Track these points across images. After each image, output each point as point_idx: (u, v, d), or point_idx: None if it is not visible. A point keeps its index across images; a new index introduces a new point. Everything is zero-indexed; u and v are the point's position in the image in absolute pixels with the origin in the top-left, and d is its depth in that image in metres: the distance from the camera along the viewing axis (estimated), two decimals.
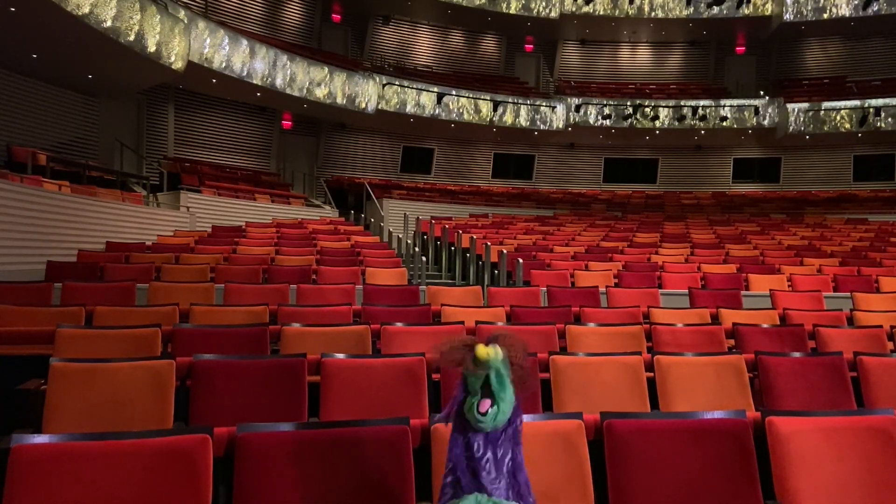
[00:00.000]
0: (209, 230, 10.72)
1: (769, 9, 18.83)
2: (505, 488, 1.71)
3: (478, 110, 18.02)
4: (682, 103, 18.56)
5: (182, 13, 12.53)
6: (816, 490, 2.16)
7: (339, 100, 16.18)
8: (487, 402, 1.69)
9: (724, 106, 18.44)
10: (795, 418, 2.31)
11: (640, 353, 3.39)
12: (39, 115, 11.96)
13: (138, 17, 10.68)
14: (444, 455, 2.15)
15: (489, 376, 1.70)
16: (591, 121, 18.64)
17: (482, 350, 1.71)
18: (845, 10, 18.20)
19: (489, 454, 1.72)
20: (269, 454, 2.08)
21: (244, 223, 11.57)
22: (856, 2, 18.00)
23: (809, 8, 18.37)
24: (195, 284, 5.75)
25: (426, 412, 2.98)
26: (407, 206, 15.30)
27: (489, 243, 8.73)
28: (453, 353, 1.75)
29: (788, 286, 7.19)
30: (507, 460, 1.73)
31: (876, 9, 17.79)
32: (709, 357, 3.40)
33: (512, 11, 18.81)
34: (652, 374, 3.27)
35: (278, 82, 14.87)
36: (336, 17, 18.62)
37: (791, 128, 18.09)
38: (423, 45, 19.97)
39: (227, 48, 13.71)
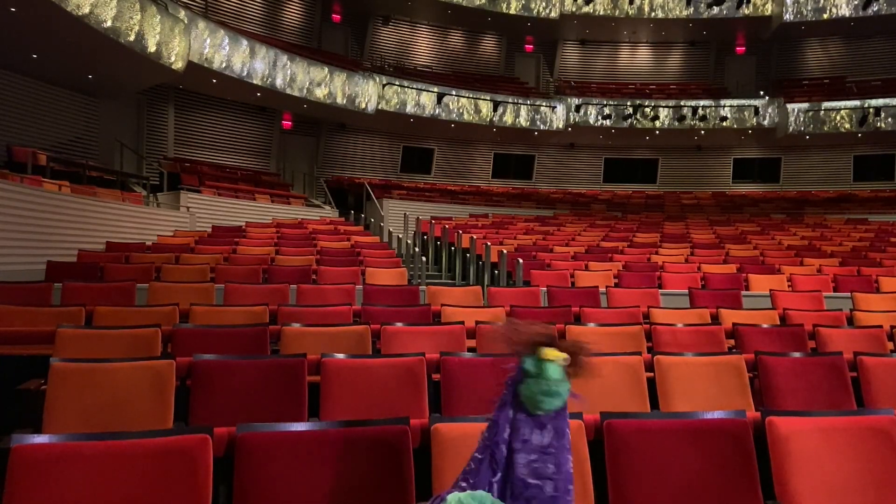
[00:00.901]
0: (209, 230, 10.72)
1: (769, 9, 18.84)
2: (536, 473, 1.73)
3: (478, 110, 18.02)
4: (682, 103, 18.56)
5: (182, 13, 12.53)
6: (816, 490, 2.16)
7: (339, 100, 16.18)
8: (546, 385, 1.73)
9: (724, 106, 18.45)
10: (795, 418, 2.31)
11: (640, 353, 3.40)
12: (39, 115, 11.96)
13: (138, 17, 10.68)
14: (444, 455, 2.16)
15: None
16: (591, 121, 18.64)
17: (551, 353, 1.74)
18: (845, 10, 18.20)
19: (531, 437, 1.76)
20: (269, 454, 2.08)
21: (244, 223, 11.57)
22: (856, 2, 18.00)
23: (809, 8, 18.37)
24: (195, 284, 5.75)
25: (426, 412, 2.98)
26: (407, 206, 15.30)
27: (489, 243, 8.73)
28: (519, 338, 1.78)
29: (788, 286, 7.19)
30: (549, 448, 1.76)
31: (876, 9, 17.79)
32: (709, 357, 3.40)
33: (512, 11, 18.81)
34: (652, 374, 3.27)
35: (278, 82, 14.88)
36: (336, 17, 18.62)
37: (791, 128, 18.09)
38: (423, 45, 19.97)
39: (227, 48, 13.72)
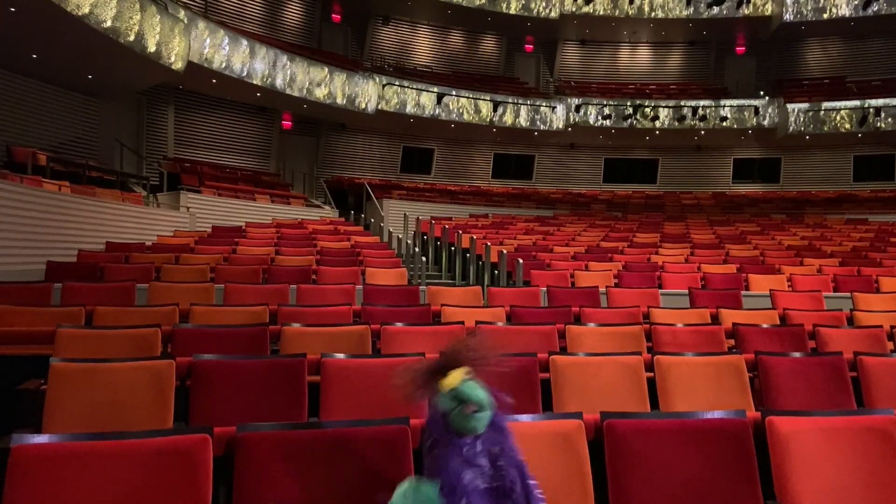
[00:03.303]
0: (209, 230, 10.72)
1: (769, 9, 18.84)
2: (491, 477, 1.72)
3: (478, 110, 18.02)
4: (682, 103, 18.56)
5: (182, 13, 12.53)
6: (816, 490, 2.16)
7: (339, 100, 16.18)
8: (471, 405, 1.72)
9: (724, 106, 18.45)
10: (795, 418, 2.31)
11: (640, 353, 3.39)
12: (39, 115, 11.96)
13: (138, 17, 10.68)
14: None
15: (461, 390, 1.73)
16: (591, 121, 18.64)
17: (451, 380, 1.73)
18: (845, 10, 18.21)
19: (479, 447, 1.75)
20: (269, 454, 2.08)
21: (244, 223, 11.57)
22: (856, 2, 18.01)
23: (809, 8, 18.38)
24: (195, 284, 5.75)
25: (426, 412, 2.97)
26: (407, 206, 15.31)
27: (489, 243, 8.73)
28: (417, 384, 1.78)
29: (788, 286, 7.19)
30: (494, 449, 1.75)
31: (876, 9, 17.79)
32: (709, 357, 3.40)
33: (512, 11, 18.81)
34: (652, 374, 3.27)
35: (278, 82, 14.88)
36: (336, 17, 18.63)
37: (791, 128, 18.09)
38: (423, 46, 19.97)
39: (227, 48, 13.72)
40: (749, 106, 18.41)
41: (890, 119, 17.35)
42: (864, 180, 19.00)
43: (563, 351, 3.88)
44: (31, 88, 11.80)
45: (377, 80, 16.98)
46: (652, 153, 20.37)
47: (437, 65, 19.91)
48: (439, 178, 19.56)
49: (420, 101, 17.42)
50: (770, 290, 6.41)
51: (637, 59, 21.09)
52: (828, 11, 18.32)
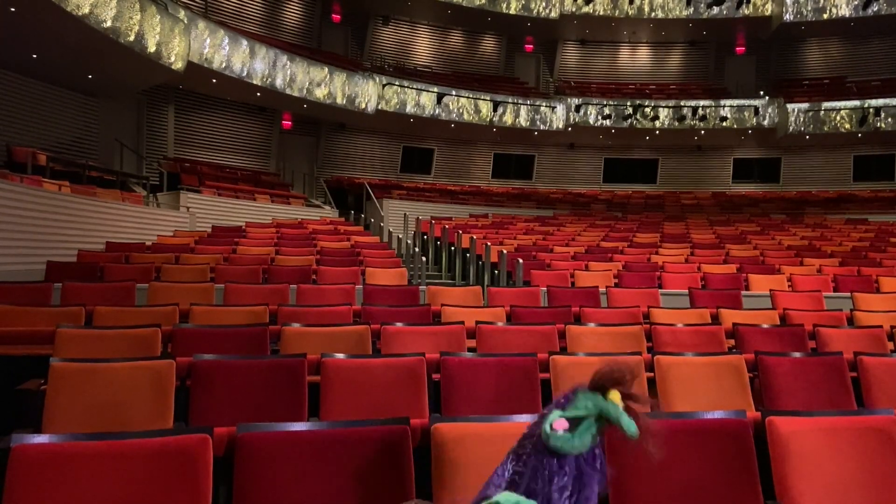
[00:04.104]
0: (209, 230, 10.72)
1: (769, 9, 18.84)
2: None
3: (478, 110, 18.02)
4: (682, 103, 18.56)
5: (182, 13, 12.53)
6: (816, 490, 2.16)
7: (339, 100, 16.18)
8: (564, 422, 1.55)
9: (724, 106, 18.45)
10: (795, 418, 2.30)
11: (640, 353, 3.40)
12: (39, 115, 11.96)
13: (138, 17, 10.68)
14: (444, 455, 2.15)
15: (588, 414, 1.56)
16: (591, 121, 18.64)
17: (615, 395, 1.56)
18: (845, 11, 18.21)
19: (560, 472, 1.57)
20: (269, 454, 2.08)
21: (244, 223, 11.57)
22: (856, 2, 18.01)
23: (809, 8, 18.38)
24: (195, 284, 5.75)
25: (426, 412, 2.98)
26: (407, 206, 15.30)
27: (489, 243, 8.73)
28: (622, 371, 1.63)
29: (788, 286, 7.19)
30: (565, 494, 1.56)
31: (876, 9, 17.79)
32: (709, 357, 3.40)
33: (512, 11, 18.81)
34: (652, 374, 3.27)
35: (278, 82, 14.88)
36: (336, 17, 18.62)
37: (791, 128, 18.09)
38: (423, 46, 19.97)
39: (227, 48, 13.72)
40: (749, 106, 18.41)
41: (890, 119, 17.35)
42: (864, 180, 19.00)
43: (564, 351, 3.89)
44: (31, 88, 11.79)
45: (377, 80, 16.98)
46: (652, 153, 20.37)
47: (437, 65, 19.90)
48: (439, 178, 19.56)
49: (420, 101, 17.41)
50: (770, 290, 6.42)
51: (637, 59, 21.08)
52: (828, 11, 18.32)
